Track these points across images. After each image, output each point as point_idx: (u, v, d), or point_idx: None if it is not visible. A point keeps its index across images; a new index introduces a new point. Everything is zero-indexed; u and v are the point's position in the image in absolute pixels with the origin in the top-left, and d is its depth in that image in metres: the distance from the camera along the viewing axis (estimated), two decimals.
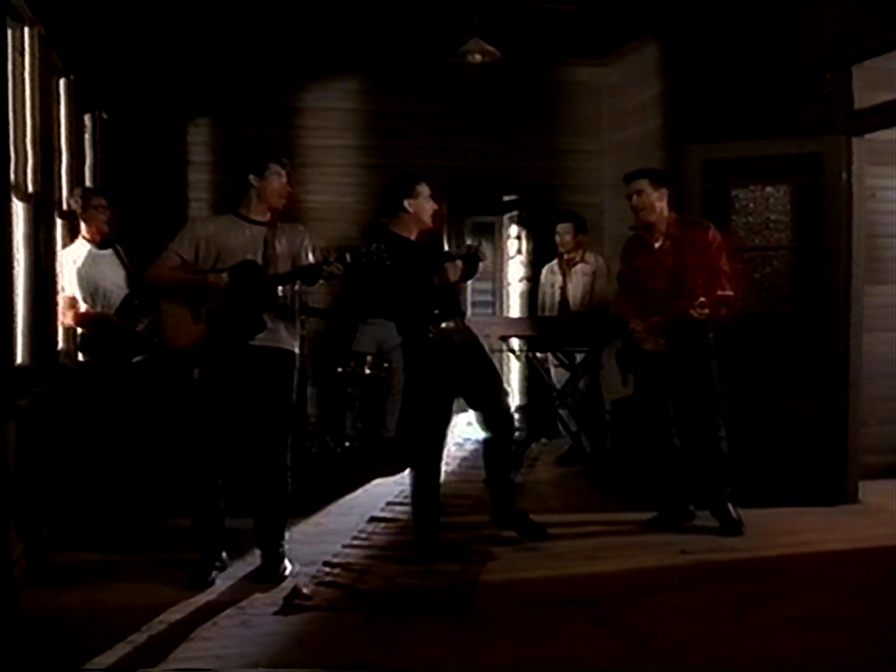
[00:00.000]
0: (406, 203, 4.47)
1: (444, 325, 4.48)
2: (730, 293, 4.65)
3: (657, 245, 4.84)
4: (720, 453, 4.83)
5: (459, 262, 4.50)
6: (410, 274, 4.34)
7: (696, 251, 4.73)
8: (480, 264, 4.57)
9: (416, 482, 4.50)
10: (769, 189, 5.52)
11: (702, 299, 4.56)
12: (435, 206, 4.54)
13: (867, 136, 5.21)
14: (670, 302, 4.73)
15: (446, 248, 7.99)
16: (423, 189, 4.50)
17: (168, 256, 4.06)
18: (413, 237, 4.53)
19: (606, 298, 6.47)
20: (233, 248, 4.04)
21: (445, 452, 4.70)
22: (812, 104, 5.35)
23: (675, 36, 6.89)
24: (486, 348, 4.78)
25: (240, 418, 4.10)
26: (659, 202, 4.78)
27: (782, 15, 5.66)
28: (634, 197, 4.79)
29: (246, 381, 4.07)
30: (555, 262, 6.80)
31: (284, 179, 4.14)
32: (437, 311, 4.46)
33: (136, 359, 4.83)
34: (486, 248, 4.63)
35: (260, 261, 4.04)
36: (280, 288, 4.08)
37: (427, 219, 4.52)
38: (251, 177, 4.09)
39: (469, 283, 10.17)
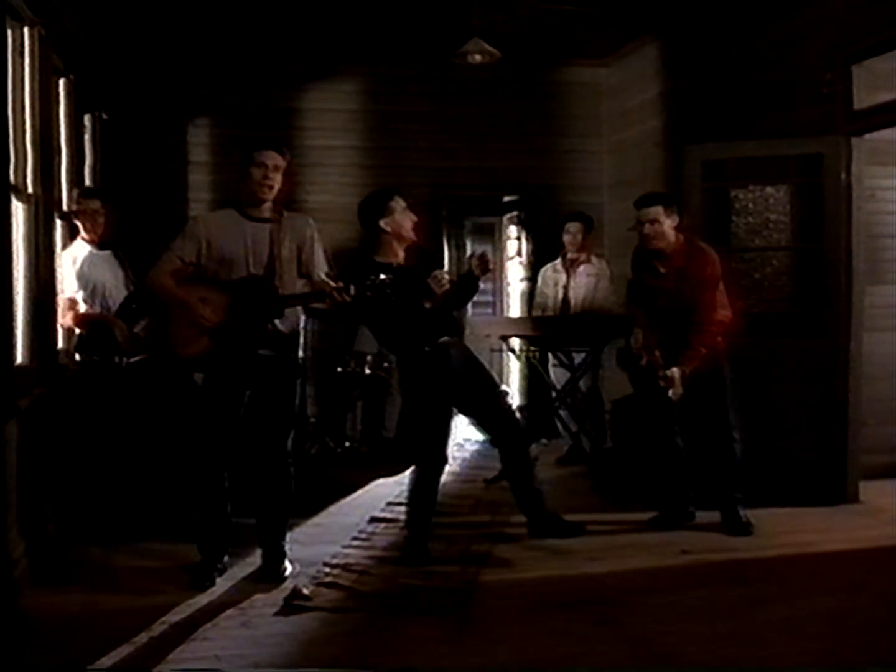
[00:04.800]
0: (382, 223, 4.34)
1: (440, 339, 4.43)
2: (698, 350, 4.69)
3: (663, 270, 4.81)
4: (732, 456, 4.83)
5: (443, 276, 4.31)
6: (403, 302, 4.19)
7: (697, 287, 4.70)
8: (480, 283, 4.45)
9: (417, 486, 4.50)
10: (769, 189, 5.52)
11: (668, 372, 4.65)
12: (414, 219, 4.41)
13: (867, 136, 5.21)
14: (679, 331, 4.71)
15: (445, 252, 7.99)
16: (396, 204, 4.37)
17: (169, 259, 4.02)
18: (400, 260, 4.40)
19: (608, 301, 6.49)
20: (235, 250, 3.99)
21: (448, 455, 4.65)
22: (812, 104, 5.35)
23: (675, 36, 6.89)
24: (483, 361, 4.70)
25: (244, 421, 4.10)
26: (670, 229, 4.74)
27: (782, 15, 5.66)
28: (647, 225, 4.72)
29: (250, 387, 4.07)
30: (557, 261, 6.77)
31: (268, 169, 3.94)
32: (431, 333, 4.39)
33: (135, 359, 4.82)
34: (489, 253, 4.44)
35: (265, 259, 4.01)
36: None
37: (407, 233, 4.38)
38: (246, 169, 3.99)
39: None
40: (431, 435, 4.46)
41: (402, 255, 4.43)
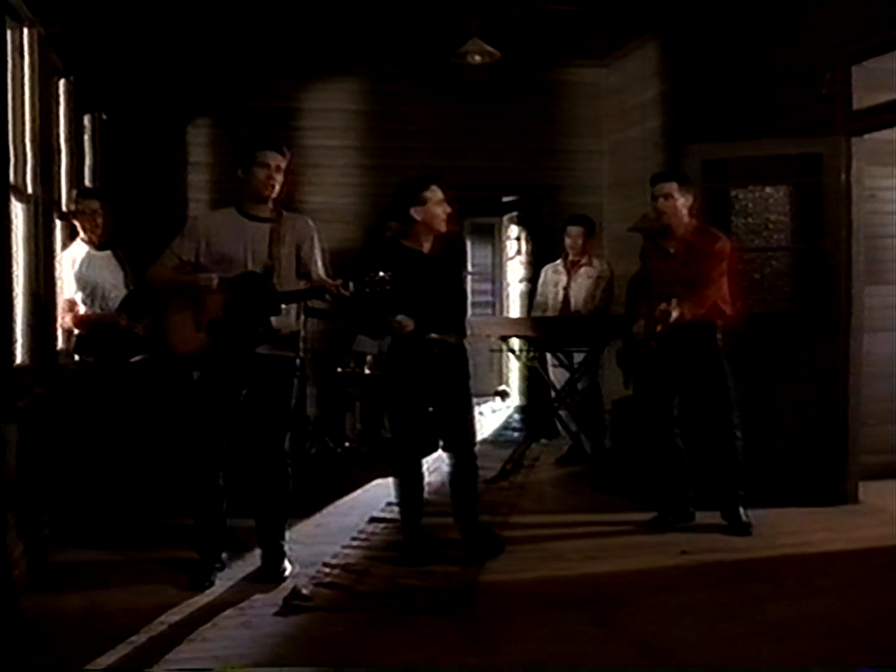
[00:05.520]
0: (413, 212, 4.30)
1: (432, 335, 4.36)
2: (670, 310, 4.60)
3: (672, 250, 4.83)
4: (735, 455, 4.83)
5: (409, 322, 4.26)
6: (417, 291, 4.20)
7: (704, 262, 4.72)
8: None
9: (399, 486, 4.51)
10: (769, 189, 5.52)
11: (663, 306, 4.59)
12: (448, 210, 4.35)
13: (867, 136, 5.21)
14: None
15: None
16: (433, 194, 4.32)
17: (168, 257, 4.04)
18: (426, 249, 4.37)
19: (608, 302, 6.49)
20: (235, 249, 4.00)
21: (431, 456, 4.64)
22: (811, 104, 5.35)
23: (675, 36, 6.89)
24: (470, 370, 4.56)
25: (241, 420, 4.10)
26: (683, 207, 4.77)
27: (782, 15, 5.66)
28: (661, 200, 4.76)
29: (247, 386, 4.06)
30: (559, 262, 6.77)
31: (271, 169, 3.97)
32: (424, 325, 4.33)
33: (135, 359, 4.82)
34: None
35: (265, 259, 4.00)
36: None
37: (439, 225, 4.33)
38: (239, 171, 4.02)
39: (469, 283, 10.20)
40: (404, 430, 4.43)
41: (427, 245, 4.39)
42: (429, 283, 4.28)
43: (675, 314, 4.58)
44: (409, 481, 4.46)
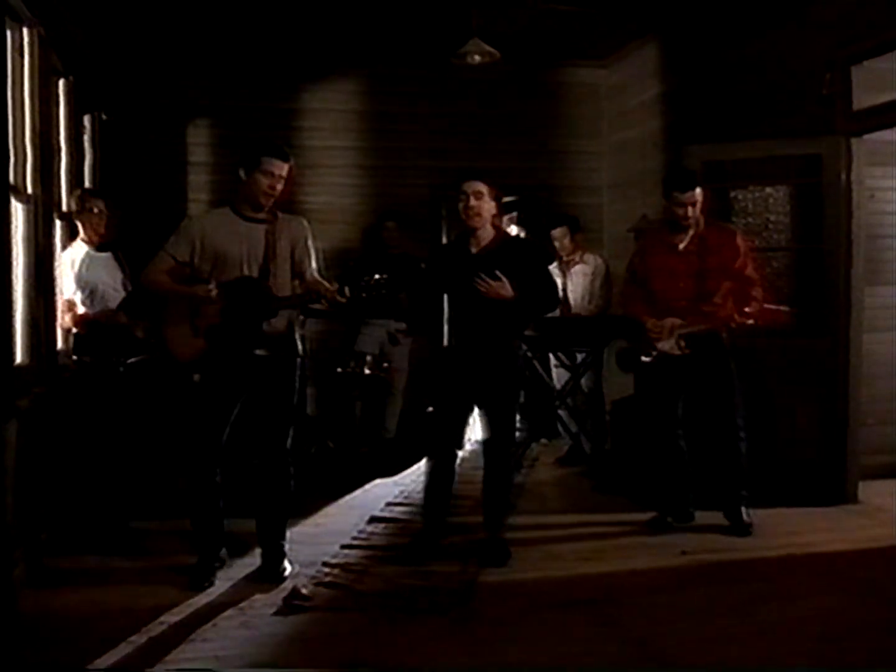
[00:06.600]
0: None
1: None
2: (783, 308, 4.74)
3: (682, 245, 4.81)
4: (738, 455, 4.84)
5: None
6: (459, 289, 4.30)
7: (722, 255, 4.72)
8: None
9: (427, 479, 4.50)
10: (769, 190, 5.54)
11: (747, 309, 4.64)
12: (469, 206, 4.37)
13: (867, 136, 5.21)
14: (694, 305, 4.71)
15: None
16: (463, 188, 4.39)
17: (162, 259, 4.01)
18: (476, 248, 4.41)
19: (607, 298, 6.49)
20: (229, 250, 3.99)
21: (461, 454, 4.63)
22: (811, 105, 5.35)
23: (675, 37, 6.89)
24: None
25: (242, 420, 4.09)
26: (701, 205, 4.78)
27: (782, 16, 5.66)
28: (690, 208, 4.70)
29: (248, 386, 4.06)
30: (553, 264, 6.79)
31: (275, 178, 3.95)
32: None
33: (133, 360, 4.81)
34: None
35: (260, 260, 4.01)
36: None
37: (465, 220, 4.38)
38: (241, 171, 4.00)
39: None
40: (442, 425, 4.45)
41: (477, 245, 4.43)
42: (470, 282, 4.27)
43: (738, 318, 4.67)
44: (438, 475, 4.44)
